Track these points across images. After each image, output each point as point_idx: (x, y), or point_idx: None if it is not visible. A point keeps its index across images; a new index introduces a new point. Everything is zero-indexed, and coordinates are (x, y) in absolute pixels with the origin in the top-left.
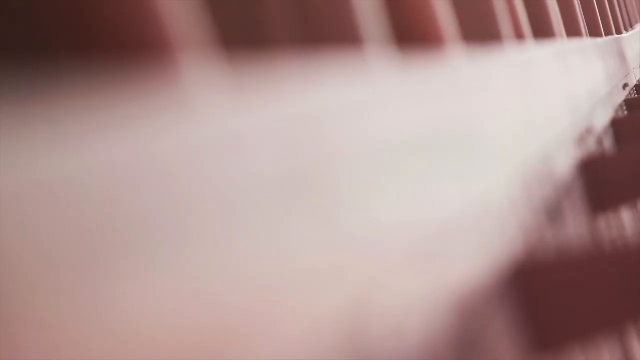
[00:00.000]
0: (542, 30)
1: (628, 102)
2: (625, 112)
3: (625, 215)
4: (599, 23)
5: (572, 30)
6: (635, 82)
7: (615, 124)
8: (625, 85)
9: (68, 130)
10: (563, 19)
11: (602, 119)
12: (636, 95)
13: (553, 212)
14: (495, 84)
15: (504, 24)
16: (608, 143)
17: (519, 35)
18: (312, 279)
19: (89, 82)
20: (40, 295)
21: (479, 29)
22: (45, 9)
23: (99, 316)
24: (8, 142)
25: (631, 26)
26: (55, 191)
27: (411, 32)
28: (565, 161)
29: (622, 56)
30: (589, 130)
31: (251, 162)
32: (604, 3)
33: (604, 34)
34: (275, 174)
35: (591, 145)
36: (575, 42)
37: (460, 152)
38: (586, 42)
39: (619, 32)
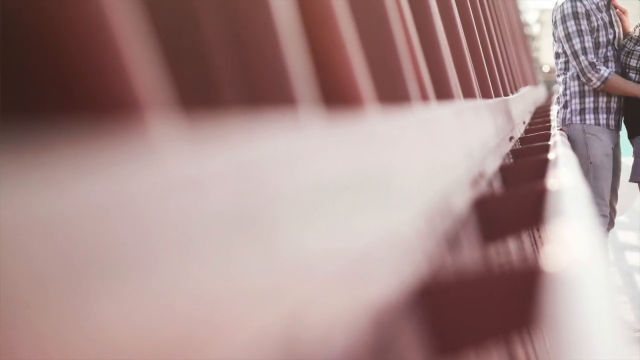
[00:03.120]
0: (442, 92)
1: (513, 152)
2: (511, 160)
3: (511, 244)
4: (489, 86)
5: (468, 92)
6: (519, 135)
7: (503, 170)
8: (511, 138)
9: (57, 175)
10: (460, 82)
11: (492, 165)
12: (520, 146)
13: (452, 242)
14: (404, 137)
15: (412, 87)
16: (497, 185)
17: (424, 97)
18: (255, 298)
19: (73, 134)
20: (34, 310)
21: (391, 91)
22: (37, 76)
23: (81, 327)
24: (8, 184)
25: (516, 89)
26: (46, 225)
27: (336, 94)
28: (462, 200)
29: (508, 114)
30: (481, 175)
31: (205, 201)
32: (494, 69)
33: (493, 96)
34: (224, 211)
35: (483, 187)
36: (470, 102)
37: (376, 192)
38: (479, 102)
39: (506, 94)
